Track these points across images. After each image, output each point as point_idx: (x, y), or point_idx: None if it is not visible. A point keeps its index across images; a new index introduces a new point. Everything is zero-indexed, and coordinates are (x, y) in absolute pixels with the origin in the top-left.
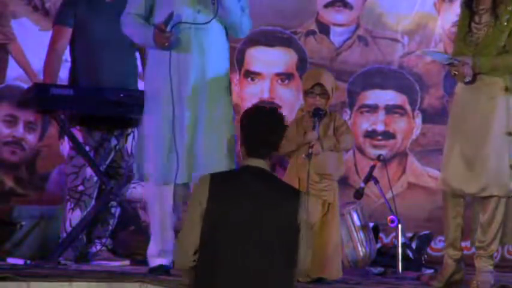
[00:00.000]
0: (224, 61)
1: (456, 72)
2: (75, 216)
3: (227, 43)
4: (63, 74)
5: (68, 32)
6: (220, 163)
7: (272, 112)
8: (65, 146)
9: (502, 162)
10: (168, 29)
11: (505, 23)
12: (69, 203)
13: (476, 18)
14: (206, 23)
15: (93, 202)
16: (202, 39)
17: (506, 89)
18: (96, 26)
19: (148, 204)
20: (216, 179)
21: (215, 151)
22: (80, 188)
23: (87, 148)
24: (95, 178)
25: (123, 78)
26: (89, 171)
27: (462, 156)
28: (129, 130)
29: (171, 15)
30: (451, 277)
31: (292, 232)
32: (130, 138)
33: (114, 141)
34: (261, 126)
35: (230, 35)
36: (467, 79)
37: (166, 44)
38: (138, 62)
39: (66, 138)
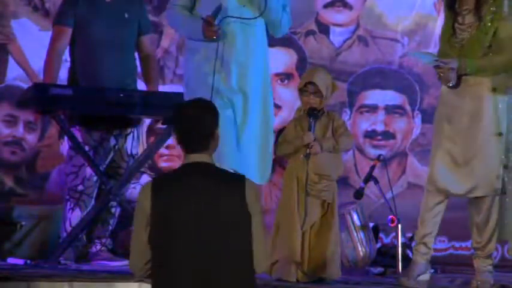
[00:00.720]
0: (266, 57)
1: (441, 75)
2: (75, 216)
3: (267, 40)
4: (63, 74)
5: (68, 32)
6: (259, 161)
7: (195, 105)
8: (65, 146)
9: (491, 162)
10: (216, 22)
11: (489, 24)
12: (68, 203)
13: (460, 19)
14: (254, 18)
15: (93, 202)
16: (247, 35)
17: (494, 90)
18: (95, 26)
19: None
20: (158, 183)
21: (255, 149)
22: (80, 187)
23: (86, 148)
24: (95, 178)
25: (123, 78)
26: (88, 170)
27: (449, 157)
28: (129, 130)
29: (219, 8)
30: (419, 275)
31: (241, 222)
32: (129, 138)
33: (113, 141)
34: (188, 120)
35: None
36: (451, 83)
37: (215, 37)
38: (138, 63)
39: (66, 138)
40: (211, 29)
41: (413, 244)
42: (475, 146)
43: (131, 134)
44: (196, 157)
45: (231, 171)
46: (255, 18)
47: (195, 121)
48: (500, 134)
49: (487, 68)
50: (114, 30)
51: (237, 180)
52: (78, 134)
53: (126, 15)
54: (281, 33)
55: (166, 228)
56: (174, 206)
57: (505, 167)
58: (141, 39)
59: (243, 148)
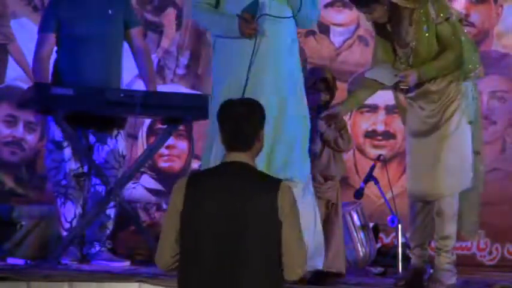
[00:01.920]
0: (297, 53)
1: (404, 87)
2: (68, 210)
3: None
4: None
5: (51, 37)
6: (299, 159)
7: (243, 103)
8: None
9: (466, 153)
10: (255, 19)
11: (426, 34)
12: (58, 199)
13: (397, 41)
14: (290, 17)
15: (84, 193)
16: (280, 31)
17: (451, 82)
18: (79, 24)
19: None
20: (193, 179)
21: (294, 147)
22: (63, 182)
23: (65, 144)
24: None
25: (107, 75)
26: (68, 165)
27: (423, 165)
28: (116, 131)
29: (255, 4)
30: (416, 277)
31: (269, 226)
32: (119, 138)
33: (109, 141)
34: (233, 118)
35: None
36: (411, 84)
37: (253, 34)
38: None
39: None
40: (250, 26)
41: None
42: (448, 142)
43: (119, 135)
44: (236, 156)
45: (269, 174)
46: (290, 17)
47: (242, 120)
48: (470, 122)
49: (442, 68)
50: (98, 27)
51: (272, 183)
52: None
53: (110, 12)
54: (310, 27)
55: (193, 227)
56: (201, 204)
57: (477, 153)
58: (129, 32)
59: (281, 146)
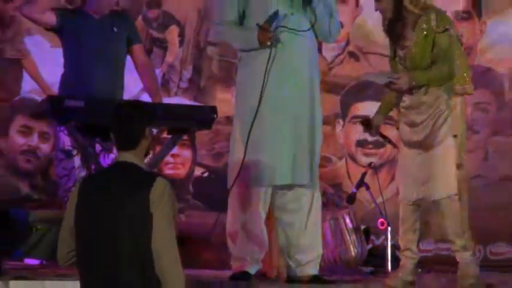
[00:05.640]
0: (317, 64)
1: (395, 87)
2: None
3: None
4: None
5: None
6: (308, 163)
7: (128, 105)
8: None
9: (449, 164)
10: (272, 28)
11: (423, 40)
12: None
13: (400, 43)
14: (307, 30)
15: None
16: (299, 43)
17: (437, 98)
18: (86, 39)
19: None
20: (84, 182)
21: (303, 151)
22: (73, 189)
23: (74, 152)
24: None
25: (111, 87)
26: (77, 173)
27: (414, 167)
28: None
29: (275, 14)
30: (406, 278)
31: (143, 220)
32: None
33: (98, 148)
34: (119, 119)
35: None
36: (404, 87)
37: (269, 42)
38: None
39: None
40: (267, 34)
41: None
42: (435, 151)
43: None
44: (123, 155)
45: (150, 172)
46: (306, 30)
47: (126, 121)
48: (455, 136)
49: (434, 77)
50: (103, 43)
51: (148, 179)
52: (67, 139)
53: (115, 29)
54: (332, 40)
55: (79, 228)
56: (85, 206)
57: (461, 166)
58: (133, 48)
59: (293, 150)
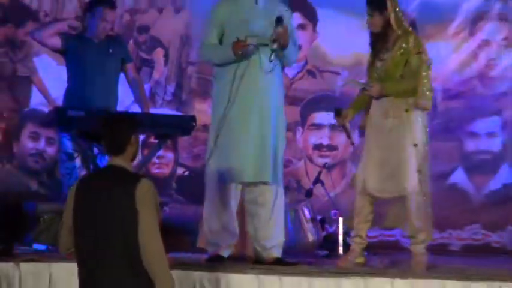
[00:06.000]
0: (280, 77)
1: (368, 93)
2: None
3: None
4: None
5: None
6: (274, 164)
7: (116, 116)
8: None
9: (410, 168)
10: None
11: (400, 58)
12: None
13: (379, 56)
14: (274, 49)
15: None
16: (262, 59)
17: (406, 111)
18: (86, 58)
19: None
20: (80, 183)
21: (271, 154)
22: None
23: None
24: None
25: (106, 98)
26: (78, 172)
27: (377, 166)
28: None
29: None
30: (354, 260)
31: (130, 216)
32: None
33: (96, 150)
34: (107, 129)
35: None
36: (375, 94)
37: (241, 52)
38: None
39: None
40: (240, 43)
41: (351, 233)
42: (398, 156)
43: None
44: (112, 160)
45: (136, 173)
46: (273, 48)
47: (113, 131)
48: (415, 145)
49: (401, 90)
50: (101, 62)
51: (133, 180)
52: (69, 144)
53: (110, 51)
54: (293, 65)
55: (74, 224)
56: (79, 204)
57: (419, 171)
58: (126, 66)
59: (258, 153)
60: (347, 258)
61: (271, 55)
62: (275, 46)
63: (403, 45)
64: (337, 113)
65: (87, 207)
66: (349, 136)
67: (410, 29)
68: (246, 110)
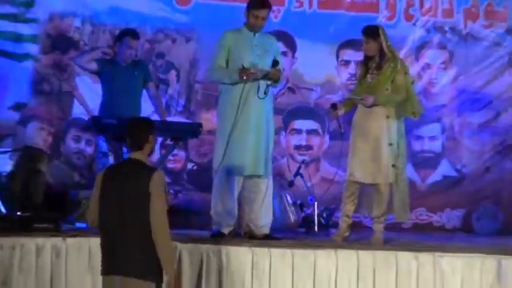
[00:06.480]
0: (271, 101)
1: (363, 102)
2: None
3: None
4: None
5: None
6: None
7: (136, 119)
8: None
9: (386, 162)
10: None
11: (388, 75)
12: None
13: (370, 71)
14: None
15: None
16: (260, 82)
17: (387, 117)
18: (116, 79)
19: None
20: (106, 171)
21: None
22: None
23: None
24: None
25: (133, 110)
26: None
27: (363, 160)
28: None
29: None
30: (343, 234)
31: (143, 200)
32: None
33: (125, 150)
34: (129, 129)
35: None
36: (369, 104)
37: (245, 77)
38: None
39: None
40: (247, 71)
41: (325, 215)
42: (378, 152)
43: None
44: (133, 154)
45: (151, 166)
46: (270, 69)
47: (133, 131)
48: (390, 144)
49: (389, 101)
50: (127, 81)
51: (148, 172)
52: (104, 144)
53: (136, 73)
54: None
55: (101, 202)
56: (105, 188)
57: (393, 166)
58: (147, 84)
59: (255, 152)
60: (339, 233)
61: (266, 88)
62: (270, 82)
63: (392, 65)
64: (333, 107)
65: (111, 190)
66: (340, 126)
67: (397, 53)
68: (247, 123)
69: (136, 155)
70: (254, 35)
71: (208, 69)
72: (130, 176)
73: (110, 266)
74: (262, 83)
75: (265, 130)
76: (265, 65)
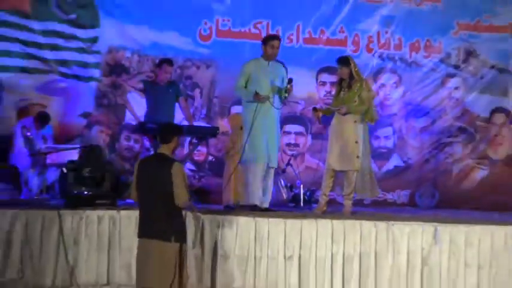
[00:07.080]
0: (279, 111)
1: (340, 111)
2: None
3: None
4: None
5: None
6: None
7: (165, 123)
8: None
9: (354, 155)
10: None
11: (356, 91)
12: None
13: (343, 89)
14: (279, 105)
15: None
16: (276, 103)
17: (355, 122)
18: (156, 94)
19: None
20: (142, 160)
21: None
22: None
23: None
24: None
25: (168, 118)
26: None
27: (337, 153)
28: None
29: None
30: (322, 208)
31: (168, 182)
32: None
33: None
34: (160, 129)
35: None
36: (343, 112)
37: (259, 100)
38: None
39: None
40: (262, 98)
41: (308, 194)
42: (348, 148)
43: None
44: (161, 148)
45: (173, 158)
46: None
47: (162, 130)
48: (356, 142)
49: (356, 111)
50: (164, 96)
51: (170, 162)
52: (147, 142)
53: (170, 90)
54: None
55: (137, 183)
56: (140, 173)
57: (357, 157)
58: (179, 99)
59: (270, 148)
60: (318, 208)
61: (283, 100)
62: (286, 95)
63: (358, 85)
64: (315, 110)
65: (145, 174)
66: (319, 122)
67: (363, 76)
68: (263, 127)
69: (163, 150)
70: (268, 64)
71: (234, 87)
72: (158, 165)
73: (143, 231)
74: (276, 97)
75: (275, 131)
76: (276, 84)
